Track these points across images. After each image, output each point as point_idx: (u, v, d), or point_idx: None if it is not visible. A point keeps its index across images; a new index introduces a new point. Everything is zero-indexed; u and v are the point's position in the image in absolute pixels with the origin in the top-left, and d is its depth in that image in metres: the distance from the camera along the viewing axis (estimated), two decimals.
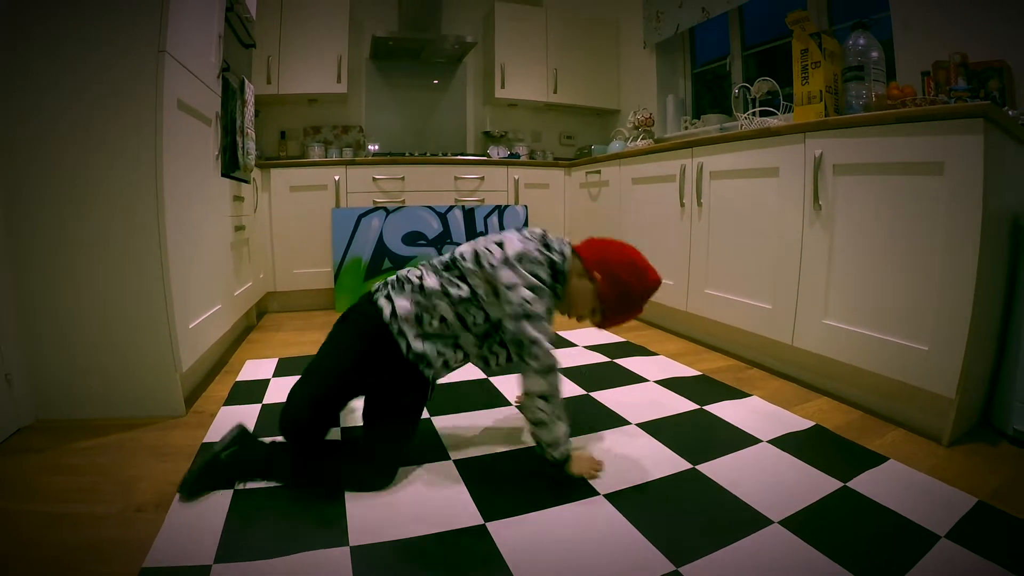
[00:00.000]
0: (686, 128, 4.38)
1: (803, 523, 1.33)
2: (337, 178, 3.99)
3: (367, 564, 1.21)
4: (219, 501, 1.44)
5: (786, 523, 1.33)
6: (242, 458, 1.53)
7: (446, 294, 1.53)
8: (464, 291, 1.53)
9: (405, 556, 1.25)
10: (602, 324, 1.71)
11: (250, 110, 2.98)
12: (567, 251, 1.65)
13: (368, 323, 1.54)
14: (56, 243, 1.87)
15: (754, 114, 3.03)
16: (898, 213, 1.85)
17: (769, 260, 2.42)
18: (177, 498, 1.45)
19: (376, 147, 4.87)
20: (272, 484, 1.51)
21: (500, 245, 1.57)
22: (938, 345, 1.72)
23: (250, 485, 1.50)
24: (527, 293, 1.50)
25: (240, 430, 1.60)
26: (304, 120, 4.75)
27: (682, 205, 3.02)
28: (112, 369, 1.97)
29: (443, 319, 1.53)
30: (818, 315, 2.15)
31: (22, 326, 1.88)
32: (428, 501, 1.46)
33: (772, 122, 2.86)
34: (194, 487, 1.46)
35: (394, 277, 1.63)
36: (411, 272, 1.61)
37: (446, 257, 1.63)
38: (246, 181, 3.14)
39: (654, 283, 1.68)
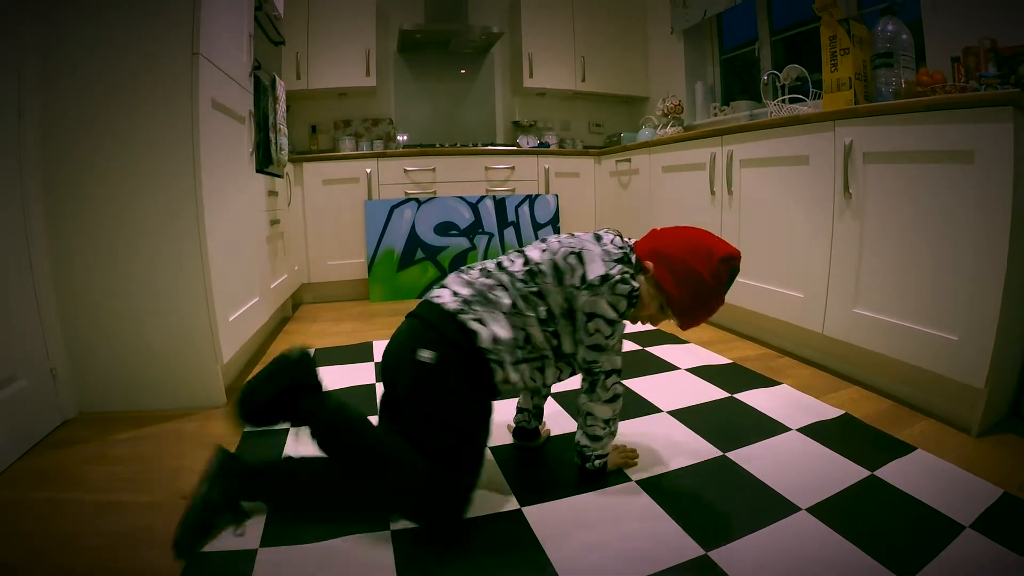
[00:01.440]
0: (715, 115, 4.36)
1: (830, 511, 1.35)
2: (369, 171, 4.04)
3: (409, 547, 1.26)
4: None
5: (813, 510, 1.35)
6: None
7: (534, 312, 1.38)
8: (543, 311, 1.38)
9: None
10: (681, 323, 1.49)
11: (282, 106, 3.04)
12: (634, 257, 1.45)
13: (462, 355, 1.32)
14: (98, 242, 1.93)
15: (784, 101, 3.01)
16: (928, 202, 1.84)
17: (800, 249, 2.42)
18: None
19: (405, 138, 4.91)
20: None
21: (580, 259, 1.39)
22: (967, 335, 1.72)
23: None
24: (606, 328, 1.37)
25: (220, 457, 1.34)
26: (334, 114, 4.81)
27: (712, 193, 3.02)
28: (154, 362, 2.04)
29: (530, 340, 1.39)
30: (848, 304, 2.15)
31: (65, 322, 1.95)
32: None
33: (802, 109, 2.85)
34: (189, 540, 1.24)
35: (472, 291, 1.38)
36: (483, 279, 1.42)
37: (518, 264, 1.43)
38: (279, 176, 3.20)
39: (726, 259, 1.40)
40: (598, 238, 1.47)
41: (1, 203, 1.71)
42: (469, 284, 1.41)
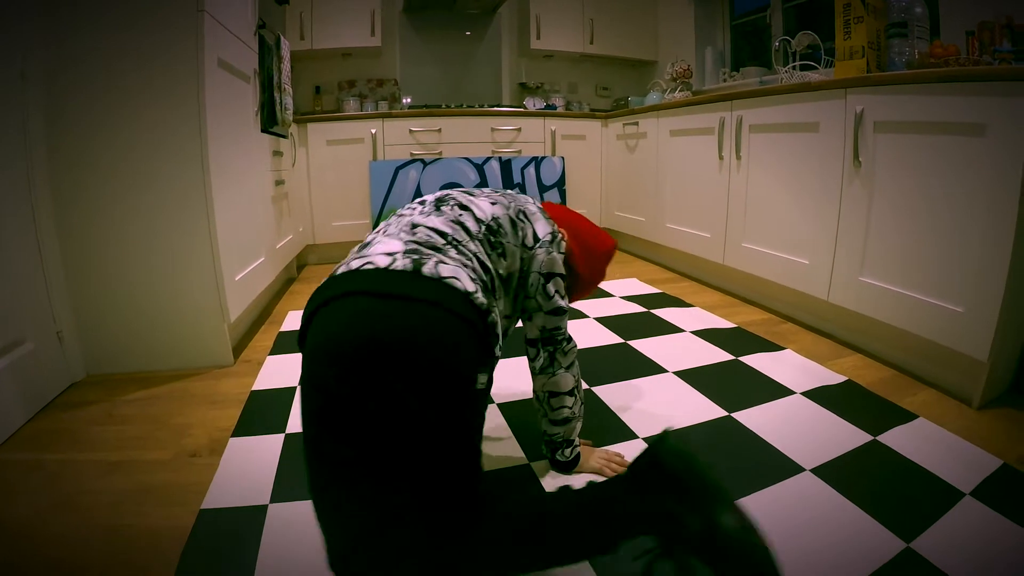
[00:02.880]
0: (725, 80, 4.31)
1: (834, 472, 1.37)
2: (374, 131, 4.01)
3: None
4: (271, 446, 1.52)
5: (817, 471, 1.38)
6: None
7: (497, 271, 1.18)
8: (500, 272, 1.20)
9: None
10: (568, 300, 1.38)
11: (286, 66, 3.01)
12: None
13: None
14: (103, 202, 1.93)
15: (795, 68, 2.98)
16: (938, 173, 1.83)
17: (807, 216, 2.41)
18: (231, 443, 1.53)
19: (409, 100, 4.86)
20: None
21: (526, 217, 1.28)
22: (973, 308, 1.71)
23: None
24: (563, 287, 1.30)
25: None
26: (338, 74, 4.75)
27: (721, 158, 3.00)
28: (161, 322, 2.05)
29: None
30: (854, 272, 2.15)
31: (71, 283, 1.95)
32: None
33: (813, 77, 2.82)
34: None
35: (432, 243, 1.04)
36: (439, 238, 1.07)
37: (470, 220, 1.16)
38: (284, 136, 3.18)
39: (613, 247, 1.47)
40: (527, 198, 1.38)
41: (5, 165, 1.70)
42: (436, 248, 1.04)
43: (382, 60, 4.82)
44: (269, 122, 2.81)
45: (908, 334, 1.96)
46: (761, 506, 1.25)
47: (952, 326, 1.78)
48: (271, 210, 2.87)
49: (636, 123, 3.97)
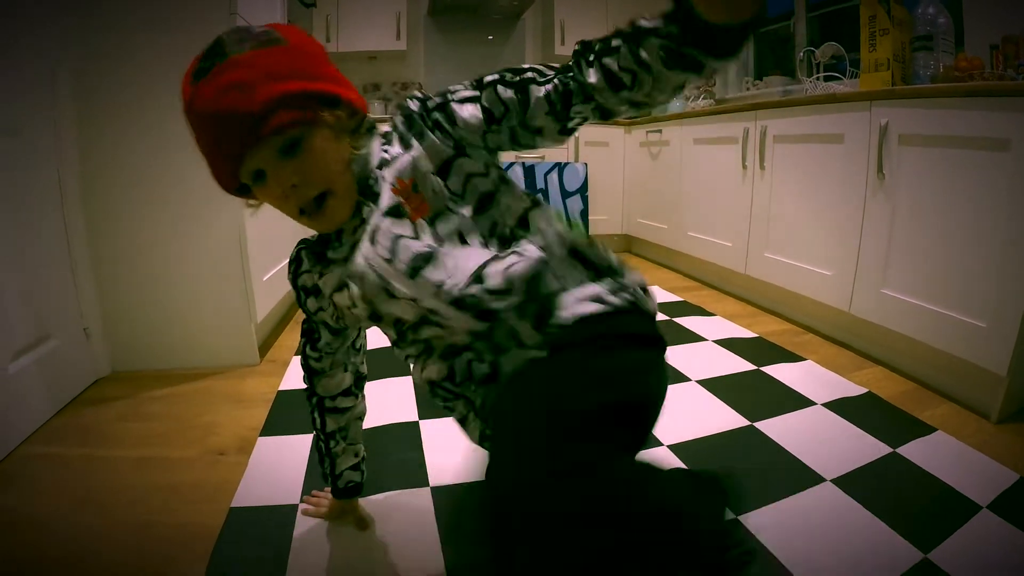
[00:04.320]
0: (747, 89, 4.31)
1: (854, 483, 1.38)
2: None
3: (447, 499, 1.31)
4: (300, 446, 1.53)
5: (838, 482, 1.39)
6: None
7: None
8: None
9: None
10: None
11: None
12: None
13: None
14: (132, 200, 1.95)
15: (819, 79, 2.99)
16: (962, 187, 1.83)
17: (830, 227, 2.41)
18: (259, 442, 1.55)
19: None
20: None
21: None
22: (994, 322, 1.71)
23: None
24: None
25: None
26: (364, 77, 4.79)
27: (744, 167, 3.00)
28: (187, 321, 2.07)
29: None
30: (877, 284, 2.15)
31: (99, 280, 1.98)
32: None
33: (837, 88, 2.82)
34: None
35: None
36: None
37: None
38: None
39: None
40: None
41: (36, 163, 1.73)
42: None
43: (407, 63, 4.86)
44: None
45: (929, 347, 1.96)
46: (783, 514, 1.27)
47: (973, 340, 1.78)
48: None
49: (659, 131, 3.98)
